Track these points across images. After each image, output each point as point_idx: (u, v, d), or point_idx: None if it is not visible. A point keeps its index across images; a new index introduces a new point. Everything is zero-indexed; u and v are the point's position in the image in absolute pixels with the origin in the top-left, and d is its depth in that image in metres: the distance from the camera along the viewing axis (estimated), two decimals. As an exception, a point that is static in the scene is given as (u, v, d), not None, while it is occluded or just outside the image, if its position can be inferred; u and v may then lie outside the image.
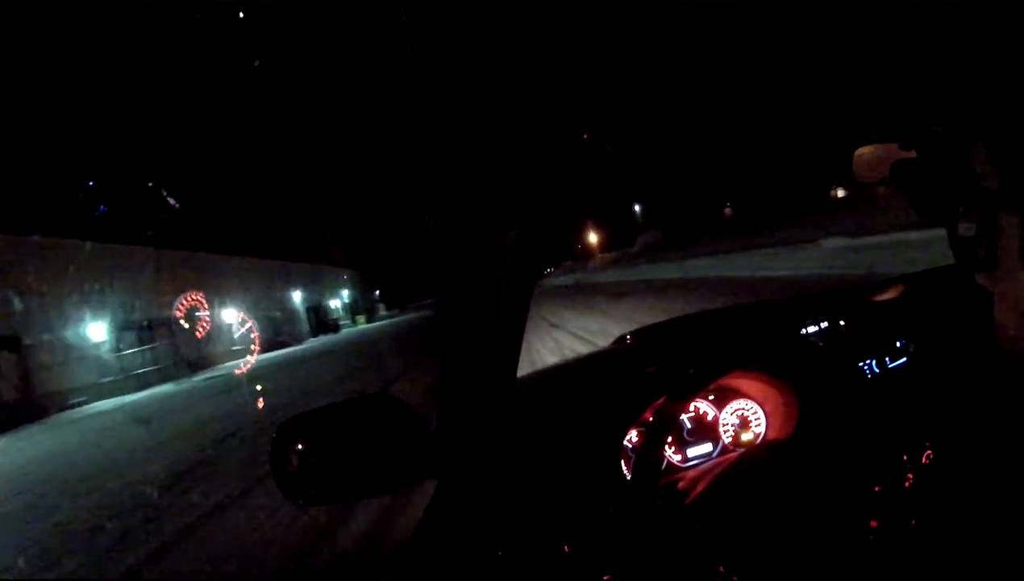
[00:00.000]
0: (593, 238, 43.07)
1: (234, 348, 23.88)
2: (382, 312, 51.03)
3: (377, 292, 53.61)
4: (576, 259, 43.38)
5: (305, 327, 31.62)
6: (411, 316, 39.35)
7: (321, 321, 32.76)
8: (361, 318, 39.68)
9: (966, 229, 0.65)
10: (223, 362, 22.56)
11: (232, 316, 25.06)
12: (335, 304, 38.82)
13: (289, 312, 30.58)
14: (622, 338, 1.38)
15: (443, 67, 0.57)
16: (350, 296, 42.23)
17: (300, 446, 0.72)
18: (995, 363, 0.80)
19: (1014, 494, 0.76)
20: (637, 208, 36.13)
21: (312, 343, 26.95)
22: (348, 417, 0.73)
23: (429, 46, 0.56)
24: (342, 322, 35.87)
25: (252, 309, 26.19)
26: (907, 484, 0.78)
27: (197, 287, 22.70)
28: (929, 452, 0.82)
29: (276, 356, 21.79)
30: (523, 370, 0.90)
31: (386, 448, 0.72)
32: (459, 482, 0.76)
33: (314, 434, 0.72)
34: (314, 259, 37.13)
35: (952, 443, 0.85)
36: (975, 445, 0.85)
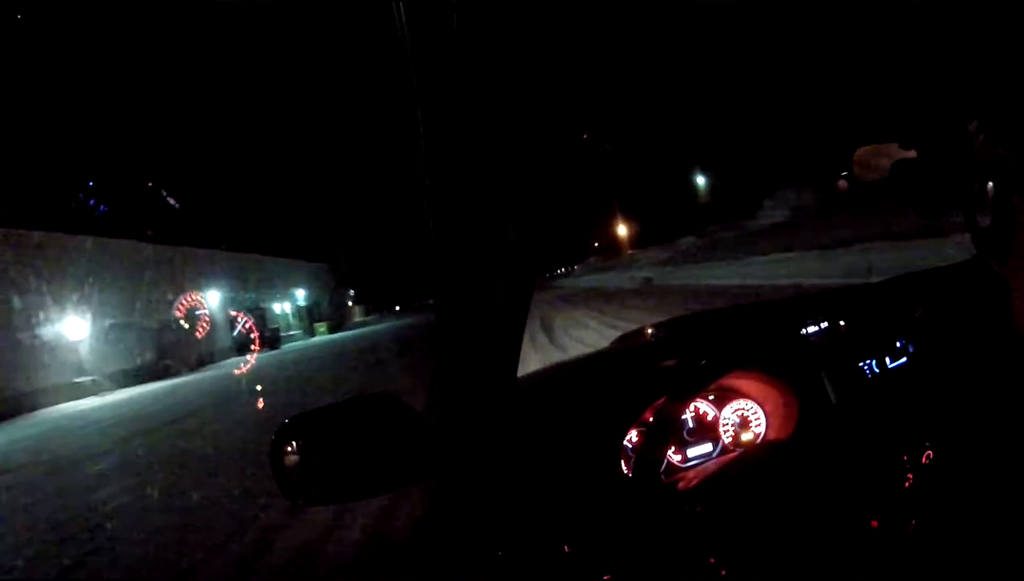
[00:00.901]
0: (623, 230, 34.90)
1: (76, 380, 15.02)
2: (356, 318, 40.41)
3: (351, 292, 42.63)
4: (607, 255, 35.67)
5: (227, 341, 22.82)
6: (392, 325, 29.18)
7: (257, 332, 23.60)
8: (322, 327, 30.38)
9: (982, 219, 0.65)
10: (45, 403, 13.60)
11: (78, 328, 15.86)
12: (282, 308, 29.20)
13: (197, 319, 20.75)
14: (622, 338, 1.38)
15: (442, 65, 0.57)
16: (309, 297, 32.68)
17: (300, 446, 0.72)
18: (1001, 357, 0.80)
19: (1014, 494, 0.77)
20: (701, 180, 27.31)
21: (223, 368, 17.89)
22: (348, 417, 0.73)
23: (429, 45, 0.56)
24: (291, 333, 27.32)
25: (123, 316, 17.26)
26: (907, 484, 0.78)
27: (16, 285, 14.24)
28: (929, 452, 0.82)
29: (140, 395, 13.42)
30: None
31: (386, 448, 0.72)
32: (459, 482, 0.76)
33: (314, 434, 0.73)
34: (264, 249, 28.62)
35: (952, 443, 0.85)
36: (975, 445, 0.85)
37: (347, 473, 0.72)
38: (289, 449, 0.71)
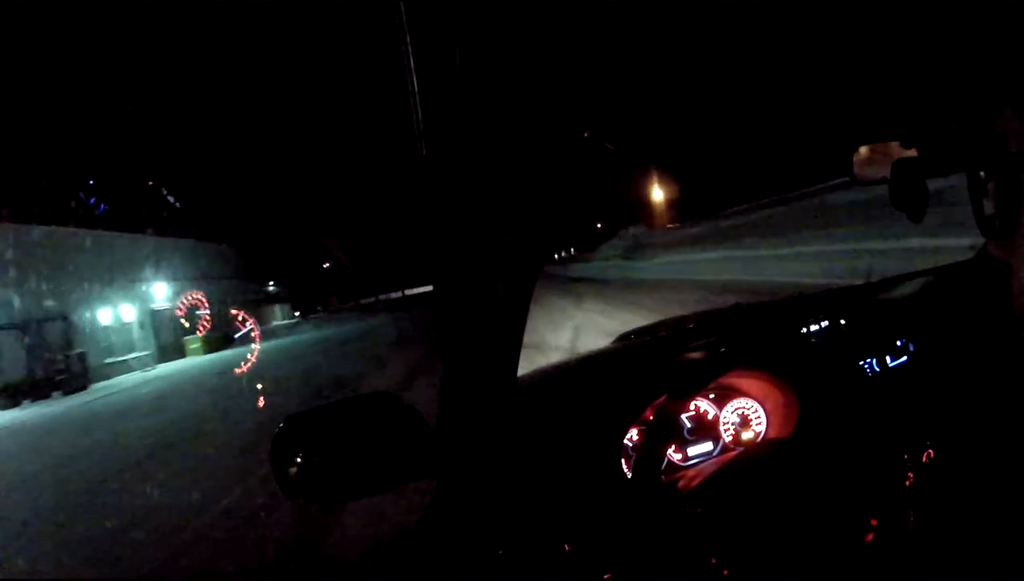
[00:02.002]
0: (659, 195, 24.49)
1: None
2: (277, 322, 26.36)
3: (271, 288, 29.51)
4: (646, 226, 24.64)
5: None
6: (315, 335, 19.43)
7: (42, 361, 13.66)
8: (195, 343, 18.81)
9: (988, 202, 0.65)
10: None
11: None
12: (116, 314, 17.11)
13: None
14: (622, 337, 1.38)
15: (443, 66, 0.57)
16: (180, 296, 20.18)
17: (300, 445, 0.72)
18: (1001, 356, 0.79)
19: (1014, 493, 0.77)
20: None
21: None
22: (348, 416, 0.74)
23: (429, 45, 0.56)
24: (128, 357, 16.36)
25: None
26: (907, 483, 0.78)
27: None
28: (929, 452, 0.82)
29: None
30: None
31: (386, 447, 0.72)
32: (459, 481, 0.76)
33: (314, 433, 0.73)
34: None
35: (953, 442, 0.85)
36: (976, 444, 0.85)
37: (348, 472, 0.72)
38: (289, 448, 0.72)
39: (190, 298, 18.49)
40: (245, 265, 26.46)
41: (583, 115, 0.71)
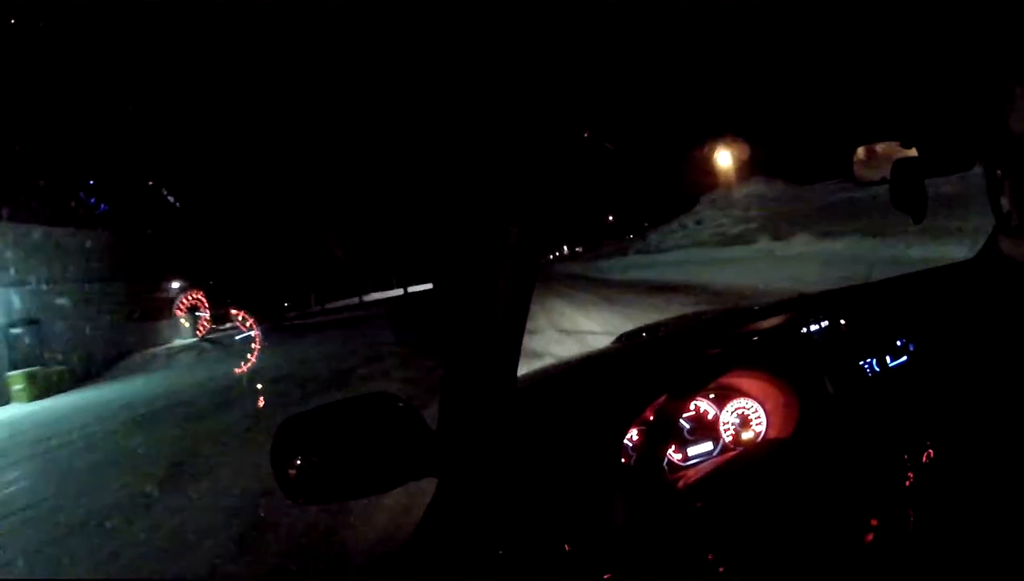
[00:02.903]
0: (726, 159, 17.97)
1: None
2: (181, 339, 16.70)
3: (174, 287, 18.03)
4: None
5: None
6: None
7: None
8: (19, 382, 11.44)
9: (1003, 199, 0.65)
10: None
11: None
12: None
13: None
14: (622, 337, 1.38)
15: (444, 66, 0.57)
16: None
17: (300, 445, 0.72)
18: (1001, 355, 0.79)
19: (1014, 493, 0.77)
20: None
21: None
22: (348, 416, 0.73)
23: (431, 46, 0.56)
24: None
25: None
26: (907, 483, 0.78)
27: None
28: (930, 451, 0.82)
29: None
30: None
31: (386, 447, 0.72)
32: (459, 481, 0.76)
33: (314, 433, 0.73)
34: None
35: (953, 442, 0.85)
36: (976, 444, 0.85)
37: (348, 471, 0.72)
38: (289, 448, 0.72)
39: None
40: (131, 259, 17.28)
41: (583, 113, 0.71)
